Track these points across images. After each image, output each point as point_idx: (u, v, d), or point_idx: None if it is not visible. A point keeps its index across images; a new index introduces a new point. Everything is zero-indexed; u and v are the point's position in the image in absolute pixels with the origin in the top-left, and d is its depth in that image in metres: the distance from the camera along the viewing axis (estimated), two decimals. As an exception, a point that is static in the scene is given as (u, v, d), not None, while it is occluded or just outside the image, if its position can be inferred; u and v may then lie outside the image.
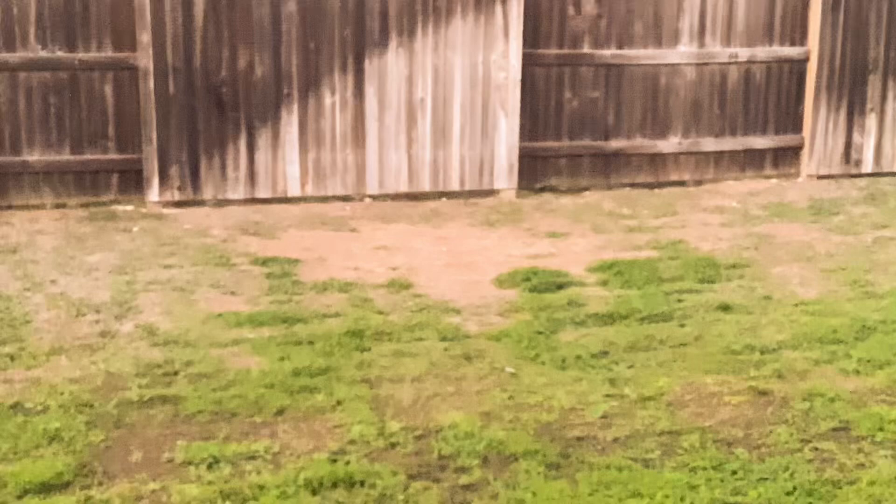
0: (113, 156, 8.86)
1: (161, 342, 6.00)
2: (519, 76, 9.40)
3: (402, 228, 8.53)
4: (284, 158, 9.06)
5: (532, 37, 9.51)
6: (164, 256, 7.57)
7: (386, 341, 6.09)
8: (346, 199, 9.21)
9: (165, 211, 8.76)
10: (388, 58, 9.13)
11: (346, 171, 9.21)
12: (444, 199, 9.38)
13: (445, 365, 5.75)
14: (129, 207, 8.79)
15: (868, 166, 10.33)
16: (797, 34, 10.11)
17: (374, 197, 9.30)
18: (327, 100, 9.07)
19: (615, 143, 9.92)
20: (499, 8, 9.26)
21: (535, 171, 9.77)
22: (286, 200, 9.10)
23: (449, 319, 6.46)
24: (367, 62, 9.09)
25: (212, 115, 8.87)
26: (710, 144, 10.09)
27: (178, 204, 8.88)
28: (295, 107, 9.00)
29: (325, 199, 9.14)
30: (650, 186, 9.96)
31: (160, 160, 8.80)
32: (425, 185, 9.40)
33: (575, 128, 9.84)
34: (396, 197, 9.33)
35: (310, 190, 9.17)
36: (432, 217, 8.87)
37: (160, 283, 7.00)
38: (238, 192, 9.03)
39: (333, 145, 9.14)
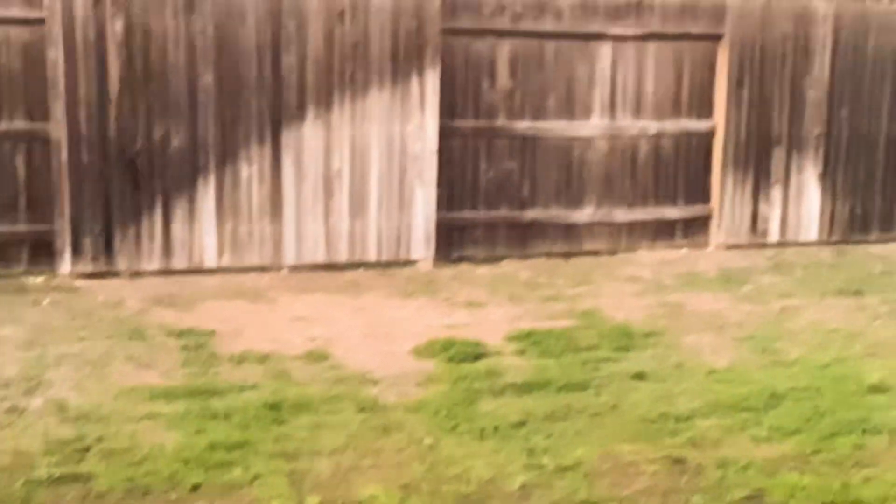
0: (24, 227, 8.71)
1: (72, 418, 5.85)
2: (436, 147, 9.49)
3: (320, 299, 8.49)
4: (201, 229, 8.98)
5: (448, 109, 9.63)
6: (77, 329, 7.42)
7: (304, 413, 6.02)
8: (263, 269, 9.15)
9: (78, 283, 8.61)
10: (306, 129, 9.16)
11: (263, 242, 9.16)
12: (361, 270, 9.37)
13: (364, 437, 5.71)
14: (41, 279, 8.62)
15: (774, 236, 10.60)
16: (704, 108, 10.40)
17: (291, 267, 9.26)
18: (244, 171, 9.04)
19: (531, 214, 10.04)
20: (415, 81, 9.38)
21: (452, 241, 9.83)
22: (203, 271, 9.01)
23: (367, 390, 6.43)
24: (284, 133, 9.10)
25: (127, 186, 8.78)
26: (622, 215, 10.27)
27: (92, 275, 8.73)
28: (212, 178, 8.96)
29: (242, 270, 9.07)
30: (566, 256, 10.09)
31: (73, 231, 8.66)
32: (343, 256, 9.39)
33: (491, 198, 9.94)
34: (314, 267, 9.30)
35: (227, 261, 9.10)
36: (350, 287, 8.86)
37: (72, 356, 6.85)
38: (153, 263, 8.91)
39: (251, 216, 9.10)
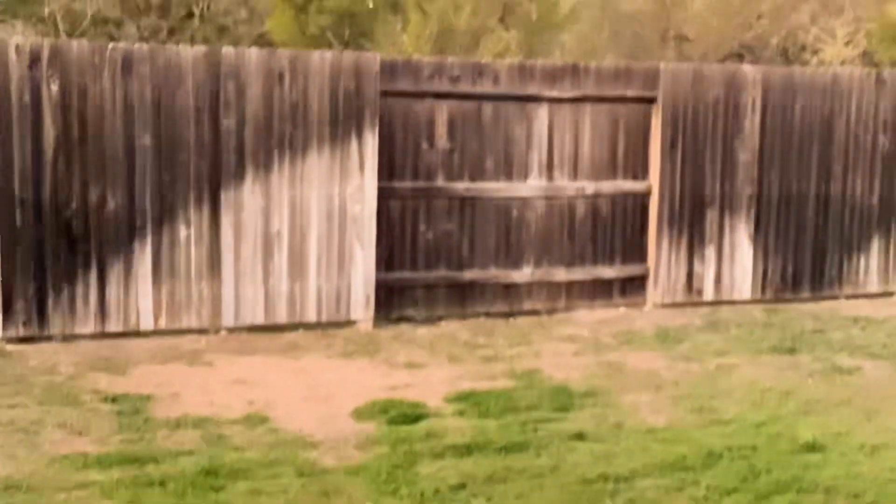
0: (-44, 290, 8.55)
1: (1, 488, 5.70)
2: (375, 208, 9.52)
3: (259, 361, 8.41)
4: (137, 291, 8.88)
5: (387, 170, 9.68)
6: (8, 396, 7.26)
7: (242, 479, 5.94)
8: (201, 331, 9.05)
9: (10, 347, 8.45)
10: (245, 191, 9.14)
11: (201, 304, 9.08)
12: (301, 331, 9.32)
13: (303, 502, 5.64)
14: (-28, 343, 8.45)
15: (709, 295, 10.73)
16: (639, 169, 10.56)
17: (230, 329, 9.17)
18: (182, 232, 8.98)
19: (470, 274, 10.08)
20: (354, 142, 9.42)
21: (391, 301, 9.82)
22: (139, 334, 8.89)
23: (306, 454, 6.36)
24: (223, 195, 9.07)
25: (61, 249, 8.67)
26: (561, 274, 10.35)
27: (24, 340, 8.57)
28: (149, 239, 8.88)
29: (179, 333, 8.97)
30: (505, 316, 10.12)
31: (4, 294, 8.52)
32: (282, 317, 9.34)
33: (431, 259, 9.97)
34: (253, 329, 9.23)
35: (163, 323, 8.99)
36: (290, 349, 8.79)
37: (2, 424, 6.69)
38: (88, 326, 8.78)
39: (188, 277, 9.02)
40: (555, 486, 5.95)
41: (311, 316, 9.42)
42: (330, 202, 9.39)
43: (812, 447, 6.56)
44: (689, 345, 9.21)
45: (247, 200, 9.15)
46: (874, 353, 8.94)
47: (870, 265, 11.26)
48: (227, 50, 9.20)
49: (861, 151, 11.12)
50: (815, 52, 17.69)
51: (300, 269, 9.35)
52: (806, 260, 11.06)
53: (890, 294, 11.31)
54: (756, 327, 9.87)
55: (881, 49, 16.91)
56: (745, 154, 10.72)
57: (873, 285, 11.29)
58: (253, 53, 9.23)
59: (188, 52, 9.02)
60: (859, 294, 11.21)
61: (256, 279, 9.22)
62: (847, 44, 17.28)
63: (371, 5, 17.21)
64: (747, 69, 11.02)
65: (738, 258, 10.80)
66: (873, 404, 7.54)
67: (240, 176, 9.11)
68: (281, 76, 9.18)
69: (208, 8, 19.01)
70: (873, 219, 11.21)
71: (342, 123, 9.37)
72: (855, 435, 6.83)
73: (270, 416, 7.05)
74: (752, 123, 10.72)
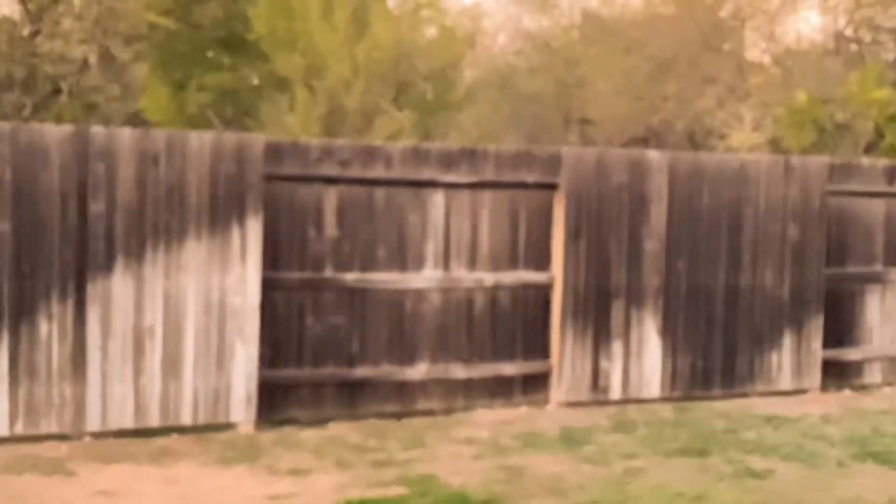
0: None
1: None
2: (258, 301, 9.48)
3: (127, 470, 8.23)
4: (-9, 393, 8.65)
5: (272, 259, 9.67)
6: None
7: None
8: (63, 437, 8.83)
9: None
10: (114, 282, 9.03)
11: (63, 407, 8.87)
12: (175, 435, 9.16)
13: None
14: None
15: (616, 393, 10.88)
16: (542, 260, 10.74)
17: (95, 434, 8.97)
18: (43, 327, 8.81)
19: (360, 371, 10.06)
20: (235, 230, 9.40)
21: (275, 401, 9.74)
22: (-8, 440, 8.64)
23: (177, 574, 6.22)
24: (89, 287, 8.94)
25: None
26: (458, 371, 10.40)
27: None
28: (5, 335, 8.68)
29: (38, 439, 8.73)
30: (398, 416, 10.10)
31: None
32: (155, 420, 9.17)
33: (318, 355, 9.94)
34: (121, 434, 9.04)
35: (20, 428, 8.75)
36: (162, 456, 8.63)
37: None
38: (-66, 431, 8.51)
39: (49, 378, 8.82)
40: None
41: (187, 418, 9.28)
42: (209, 294, 9.33)
43: (723, 556, 6.67)
44: (594, 447, 9.30)
45: (116, 292, 9.03)
46: (787, 455, 9.14)
47: (782, 361, 11.56)
48: (97, 130, 9.16)
49: (771, 241, 11.49)
50: (723, 138, 18.33)
51: (175, 366, 9.22)
52: (716, 355, 11.31)
53: (803, 391, 11.61)
54: (665, 427, 10.02)
55: (789, 135, 17.60)
56: (652, 243, 11.00)
57: (786, 382, 11.58)
58: (125, 134, 9.20)
59: (54, 132, 8.95)
60: (772, 391, 11.49)
61: (126, 378, 9.07)
62: (754, 129, 17.96)
63: (256, 82, 17.32)
64: (653, 155, 11.35)
65: (645, 354, 11.00)
66: (786, 509, 7.70)
67: (109, 266, 9.01)
68: (156, 158, 9.16)
69: (77, 84, 18.89)
70: (784, 312, 11.55)
71: (222, 209, 9.37)
72: (768, 542, 6.97)
73: (138, 530, 6.89)
74: (658, 211, 11.01)
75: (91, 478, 7.98)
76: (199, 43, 18.39)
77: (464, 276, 10.44)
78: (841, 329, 11.90)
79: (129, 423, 9.09)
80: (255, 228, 9.46)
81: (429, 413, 10.22)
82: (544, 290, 10.74)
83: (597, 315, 10.81)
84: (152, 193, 9.15)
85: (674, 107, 19.47)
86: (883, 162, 12.45)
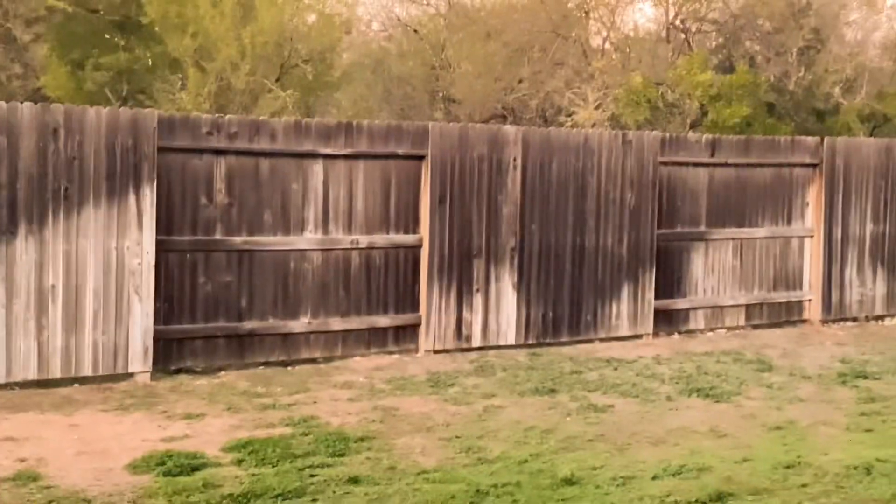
0: None
1: None
2: (153, 262, 9.26)
3: (31, 418, 7.98)
4: None
5: (166, 224, 9.46)
6: None
7: (11, 540, 5.60)
8: (-31, 389, 8.52)
9: None
10: (17, 245, 8.71)
11: (-31, 361, 8.54)
12: (76, 386, 8.91)
13: (75, 560, 5.36)
14: None
15: (477, 341, 10.98)
16: (411, 223, 10.73)
17: (1, 386, 8.66)
18: (-50, 288, 8.45)
19: (249, 325, 9.93)
20: (132, 197, 9.15)
21: (170, 353, 9.55)
22: None
23: (80, 511, 6.06)
24: (-6, 249, 8.61)
25: None
26: (337, 324, 10.34)
27: None
28: (-87, 295, 8.31)
29: (-55, 391, 8.40)
30: (284, 365, 10.01)
31: None
32: (57, 372, 8.91)
33: (210, 310, 9.77)
34: (26, 385, 8.75)
35: (-71, 381, 8.41)
36: (64, 404, 8.38)
37: None
38: None
39: (-44, 334, 8.48)
40: (330, 529, 5.90)
41: (88, 370, 9.03)
42: (108, 256, 9.07)
43: (570, 481, 6.78)
44: (458, 389, 9.37)
45: (19, 255, 8.72)
46: (625, 392, 9.35)
47: (621, 310, 11.80)
48: (-1, 104, 8.80)
49: (611, 205, 11.70)
50: (570, 115, 18.52)
51: (76, 322, 8.96)
52: (564, 306, 11.49)
53: (639, 337, 11.88)
54: (520, 370, 10.15)
55: (626, 113, 17.89)
56: (509, 208, 11.09)
57: (624, 329, 11.84)
58: (26, 108, 8.85)
59: (-43, 106, 8.56)
60: (612, 337, 11.73)
61: (29, 334, 8.77)
62: (597, 107, 18.20)
63: (149, 62, 16.82)
64: (509, 129, 11.43)
65: (503, 306, 11.10)
66: (624, 439, 7.88)
67: (12, 230, 8.68)
68: (56, 131, 8.84)
69: (-19, 62, 18.10)
70: (623, 268, 11.79)
71: (119, 178, 9.11)
72: (608, 468, 7.12)
73: (42, 473, 6.69)
74: (513, 180, 11.10)
75: (-3, 426, 7.72)
76: (96, 25, 17.77)
77: (341, 238, 10.36)
78: (671, 282, 12.20)
79: (32, 374, 8.81)
80: (149, 196, 9.22)
81: (311, 361, 10.17)
82: (413, 251, 10.74)
83: (460, 272, 10.87)
84: (53, 164, 8.83)
85: (528, 87, 19.59)
86: (706, 136, 12.74)
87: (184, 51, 16.33)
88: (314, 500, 6.40)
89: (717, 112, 17.73)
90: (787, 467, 7.15)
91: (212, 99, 16.01)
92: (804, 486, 6.77)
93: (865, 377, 10.09)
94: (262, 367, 9.88)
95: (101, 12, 17.76)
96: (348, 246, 10.39)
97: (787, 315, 13.01)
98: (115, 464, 6.95)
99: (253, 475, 6.80)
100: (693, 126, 18.02)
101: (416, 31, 22.01)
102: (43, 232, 8.80)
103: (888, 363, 10.75)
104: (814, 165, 13.03)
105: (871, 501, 6.42)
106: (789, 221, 12.97)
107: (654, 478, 6.90)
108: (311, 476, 6.81)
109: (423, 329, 10.73)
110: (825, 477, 6.94)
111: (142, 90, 17.01)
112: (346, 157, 10.33)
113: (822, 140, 13.20)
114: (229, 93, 16.33)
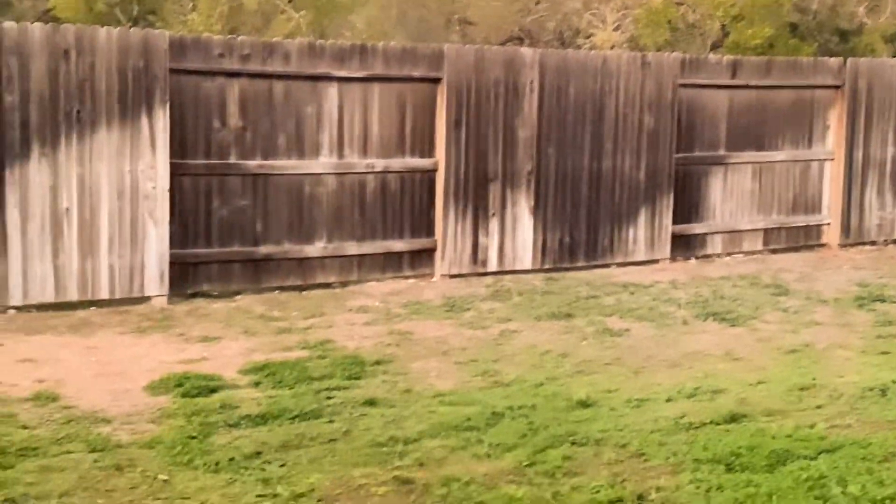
0: None
1: None
2: (167, 186, 9.29)
3: (49, 340, 8.09)
4: (-82, 272, 8.37)
5: (180, 148, 9.45)
6: None
7: (31, 457, 5.71)
8: (-13, 312, 8.63)
9: None
10: (31, 168, 8.74)
11: (-13, 284, 8.64)
12: (93, 309, 9.01)
13: (95, 477, 5.48)
14: None
15: (493, 265, 11.01)
16: (426, 147, 10.70)
17: (18, 308, 8.77)
18: (-35, 211, 8.51)
19: (264, 249, 9.98)
20: (145, 120, 9.15)
21: (186, 277, 9.63)
22: (-80, 316, 8.39)
23: (99, 430, 6.18)
24: (7, 173, 8.65)
25: None
26: (352, 248, 10.39)
27: None
28: (-71, 219, 8.38)
29: (-36, 313, 8.52)
30: (299, 289, 10.08)
31: None
32: (73, 295, 9.00)
33: (225, 235, 9.82)
34: (43, 307, 8.86)
35: (-53, 304, 8.52)
36: (81, 327, 8.49)
37: None
38: None
39: (-27, 257, 8.57)
40: (347, 449, 6.00)
41: (104, 293, 9.12)
42: (121, 179, 9.10)
43: (585, 404, 6.86)
44: (474, 313, 9.43)
45: (33, 178, 8.76)
46: (641, 316, 9.40)
47: (638, 235, 11.80)
48: (9, 25, 8.76)
49: (629, 129, 11.62)
50: (588, 37, 18.32)
51: (91, 246, 9.02)
52: (581, 231, 11.49)
53: (656, 261, 11.89)
54: (536, 295, 10.20)
55: (646, 34, 17.68)
56: (525, 132, 11.03)
57: (641, 254, 11.85)
58: (36, 29, 8.81)
59: (-33, 27, 8.53)
60: (629, 262, 11.75)
61: (45, 257, 8.85)
62: (616, 29, 17.99)
63: (161, -17, 16.69)
64: (525, 52, 11.32)
65: (519, 231, 11.11)
66: (639, 362, 7.95)
67: (25, 153, 8.71)
68: (66, 52, 8.81)
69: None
70: (640, 192, 11.75)
71: (132, 101, 9.09)
72: (623, 391, 7.18)
73: (61, 393, 6.80)
74: (530, 103, 11.03)
75: (15, 347, 7.83)
76: (106, -55, 17.59)
77: (356, 162, 10.35)
78: (688, 207, 12.17)
79: (49, 297, 8.91)
80: (162, 118, 9.21)
81: (326, 286, 10.23)
82: (429, 175, 10.73)
83: (476, 197, 10.86)
84: (64, 85, 8.82)
85: (545, 9, 19.37)
86: (727, 57, 12.59)
87: (195, -29, 16.20)
88: (331, 421, 6.49)
89: (739, 33, 17.51)
90: (802, 389, 7.21)
91: (223, 20, 15.90)
92: (819, 407, 6.83)
93: (882, 301, 10.10)
94: (277, 292, 9.95)
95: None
96: (363, 170, 10.38)
97: (805, 239, 12.99)
98: (134, 385, 7.06)
99: (270, 397, 6.90)
100: (714, 47, 17.81)
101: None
102: (56, 155, 8.83)
103: (907, 288, 10.75)
104: (836, 87, 12.89)
105: (885, 422, 6.47)
106: (810, 144, 12.87)
107: (668, 400, 6.96)
108: (328, 398, 6.90)
109: (438, 253, 10.77)
110: (840, 398, 6.99)
111: (152, 11, 16.90)
112: (360, 79, 10.27)
113: (845, 61, 13.04)
114: (241, 14, 16.20)
